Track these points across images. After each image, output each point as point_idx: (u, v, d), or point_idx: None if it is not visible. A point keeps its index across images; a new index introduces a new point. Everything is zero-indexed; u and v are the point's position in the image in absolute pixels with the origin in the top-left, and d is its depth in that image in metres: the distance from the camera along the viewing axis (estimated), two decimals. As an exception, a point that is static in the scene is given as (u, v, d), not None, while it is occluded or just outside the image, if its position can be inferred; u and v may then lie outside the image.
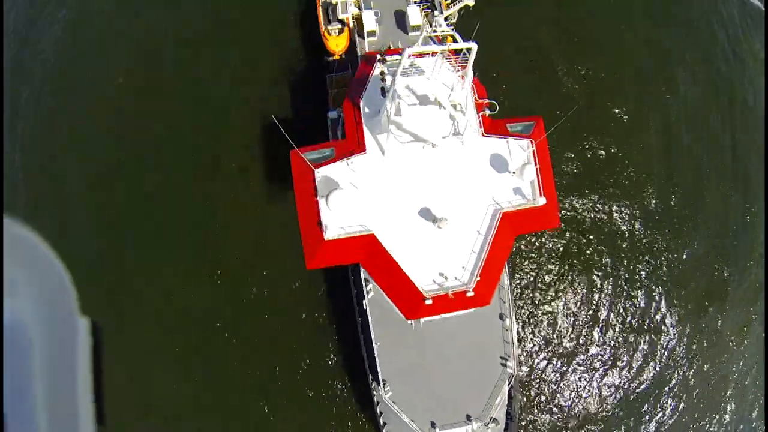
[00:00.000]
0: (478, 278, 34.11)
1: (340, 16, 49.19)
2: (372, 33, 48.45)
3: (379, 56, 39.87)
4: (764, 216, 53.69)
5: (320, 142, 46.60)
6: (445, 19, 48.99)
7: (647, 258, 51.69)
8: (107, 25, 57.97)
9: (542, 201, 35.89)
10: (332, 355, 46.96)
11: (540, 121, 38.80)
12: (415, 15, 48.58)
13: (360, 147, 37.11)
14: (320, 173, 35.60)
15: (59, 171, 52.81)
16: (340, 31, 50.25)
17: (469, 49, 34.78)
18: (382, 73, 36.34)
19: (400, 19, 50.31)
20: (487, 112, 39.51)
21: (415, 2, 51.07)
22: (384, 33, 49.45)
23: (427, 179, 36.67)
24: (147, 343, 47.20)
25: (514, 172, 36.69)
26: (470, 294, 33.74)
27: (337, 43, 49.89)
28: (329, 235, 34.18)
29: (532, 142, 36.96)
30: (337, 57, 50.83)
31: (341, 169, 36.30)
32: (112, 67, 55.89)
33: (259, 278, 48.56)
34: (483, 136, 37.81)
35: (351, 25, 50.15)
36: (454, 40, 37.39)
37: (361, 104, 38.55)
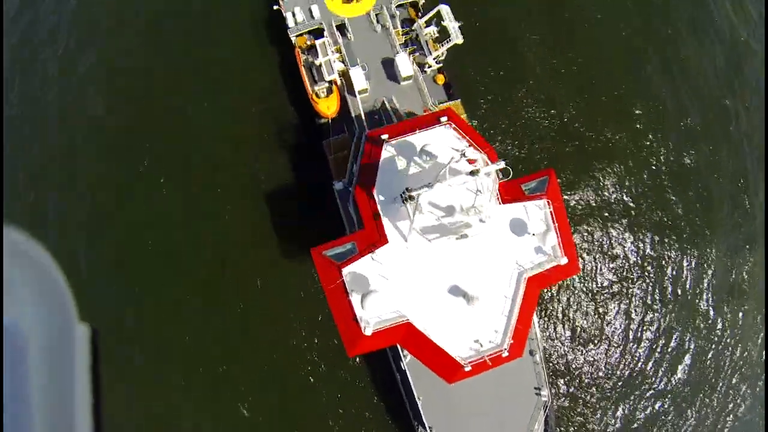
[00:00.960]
0: (512, 341, 34.97)
1: (328, 78, 46.35)
2: (363, 91, 46.48)
3: (384, 137, 38.29)
4: (764, 215, 54.17)
5: (329, 209, 47.06)
6: (434, 58, 47.71)
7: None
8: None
9: (564, 261, 36.34)
10: (377, 403, 47.22)
11: (552, 174, 38.41)
12: (405, 65, 46.57)
13: (382, 239, 36.40)
14: (347, 271, 35.10)
15: (60, 177, 53.21)
16: (329, 91, 47.55)
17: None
18: (408, 197, 34.58)
19: (389, 67, 48.25)
20: (500, 175, 38.91)
21: (401, 44, 48.85)
22: (375, 85, 47.50)
23: (452, 258, 36.53)
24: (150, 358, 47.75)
25: (534, 234, 36.83)
26: (505, 354, 34.72)
27: (328, 106, 47.24)
28: (368, 332, 34.23)
29: (548, 202, 36.94)
30: (329, 118, 48.59)
31: (367, 264, 35.85)
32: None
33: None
34: (501, 204, 37.56)
35: (339, 83, 47.61)
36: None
37: (375, 193, 37.35)
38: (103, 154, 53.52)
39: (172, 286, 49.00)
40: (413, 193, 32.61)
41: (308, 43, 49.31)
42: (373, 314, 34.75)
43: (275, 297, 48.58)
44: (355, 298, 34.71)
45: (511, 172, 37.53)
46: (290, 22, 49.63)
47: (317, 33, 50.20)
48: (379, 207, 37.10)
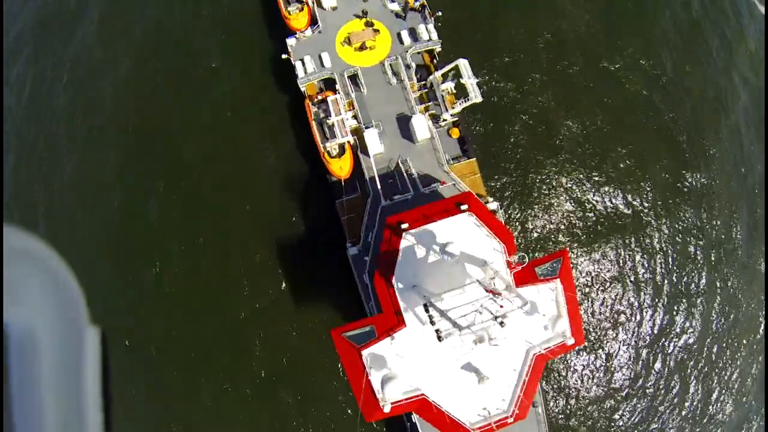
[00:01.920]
0: (517, 411, 37.04)
1: (341, 140, 44.37)
2: (378, 154, 45.37)
3: (404, 226, 37.91)
4: (764, 215, 54.53)
5: (343, 269, 46.90)
6: (451, 115, 46.47)
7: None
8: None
9: (572, 341, 37.59)
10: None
11: (566, 255, 38.74)
12: (421, 128, 45.30)
13: (400, 324, 37.19)
14: (367, 353, 36.35)
15: (60, 177, 53.19)
16: (342, 149, 45.85)
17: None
18: (430, 319, 35.25)
19: (404, 125, 46.77)
20: (516, 259, 39.04)
21: (416, 98, 47.15)
22: (389, 144, 46.24)
23: (466, 340, 37.29)
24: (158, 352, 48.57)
25: (544, 315, 37.78)
26: (510, 421, 37.03)
27: (341, 166, 45.49)
28: (387, 409, 35.66)
29: (561, 288, 37.74)
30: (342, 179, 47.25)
31: (385, 346, 37.06)
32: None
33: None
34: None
35: (352, 141, 45.86)
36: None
37: (394, 281, 37.63)
38: (104, 155, 53.27)
39: (172, 286, 49.45)
40: (440, 332, 33.17)
41: (319, 96, 47.12)
42: (391, 396, 36.13)
43: (276, 297, 49.05)
44: (374, 376, 36.24)
45: (527, 259, 37.77)
46: (299, 72, 47.50)
47: (328, 80, 48.38)
48: (397, 294, 37.49)
